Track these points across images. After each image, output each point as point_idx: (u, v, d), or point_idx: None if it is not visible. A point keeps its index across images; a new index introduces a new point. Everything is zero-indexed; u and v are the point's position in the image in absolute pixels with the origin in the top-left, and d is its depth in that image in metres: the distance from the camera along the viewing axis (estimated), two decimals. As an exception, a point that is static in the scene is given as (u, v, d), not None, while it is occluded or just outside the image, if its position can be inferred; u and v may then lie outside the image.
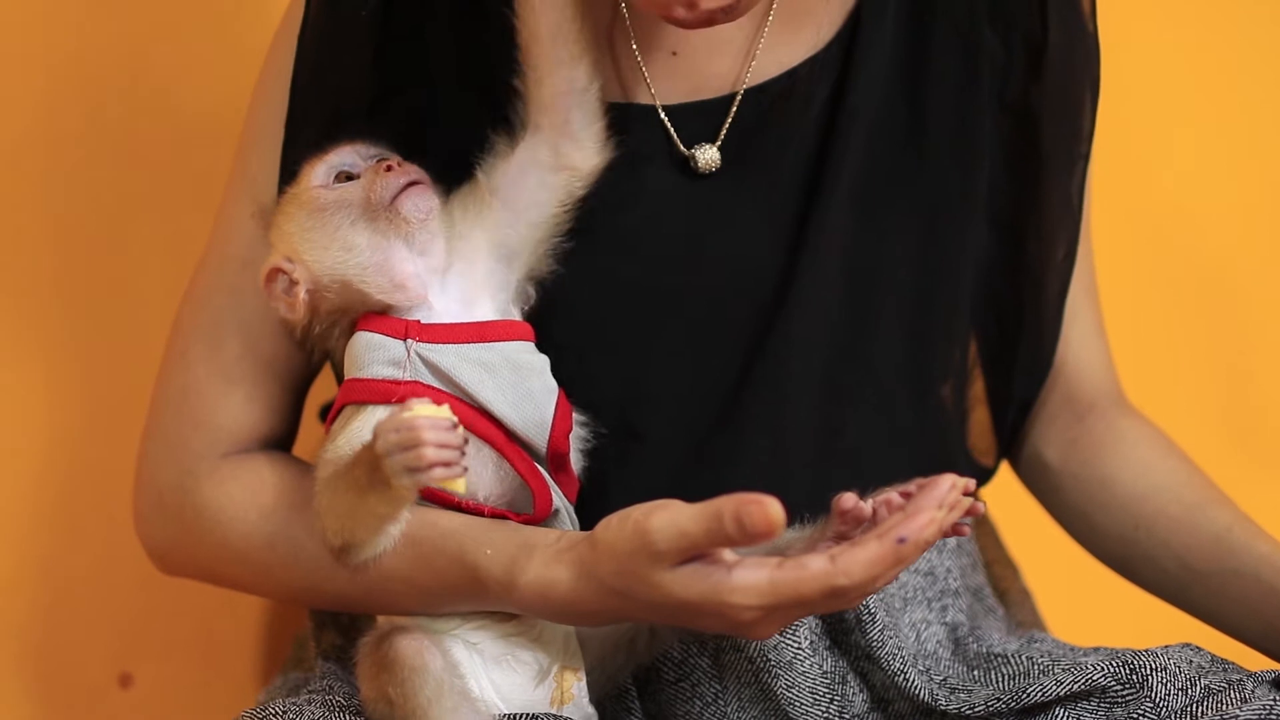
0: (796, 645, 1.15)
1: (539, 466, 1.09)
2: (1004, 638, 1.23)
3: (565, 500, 1.10)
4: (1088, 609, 1.43)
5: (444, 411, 0.99)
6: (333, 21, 1.17)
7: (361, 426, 1.06)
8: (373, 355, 1.07)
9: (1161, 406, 1.36)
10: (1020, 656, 1.17)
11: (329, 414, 1.10)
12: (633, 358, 1.17)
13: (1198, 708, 1.08)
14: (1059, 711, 1.12)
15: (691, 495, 0.99)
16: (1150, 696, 1.10)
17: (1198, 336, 1.75)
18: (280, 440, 1.22)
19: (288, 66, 1.19)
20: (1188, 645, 1.14)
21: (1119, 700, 1.10)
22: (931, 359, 1.26)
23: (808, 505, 1.06)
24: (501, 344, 1.08)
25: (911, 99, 1.21)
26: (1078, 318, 1.30)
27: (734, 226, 1.17)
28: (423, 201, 1.08)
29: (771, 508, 0.95)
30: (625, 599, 1.02)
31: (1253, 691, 1.08)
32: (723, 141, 1.17)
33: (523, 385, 1.08)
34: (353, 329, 1.09)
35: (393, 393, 1.06)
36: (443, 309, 1.09)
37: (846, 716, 1.16)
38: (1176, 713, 1.08)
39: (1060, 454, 1.31)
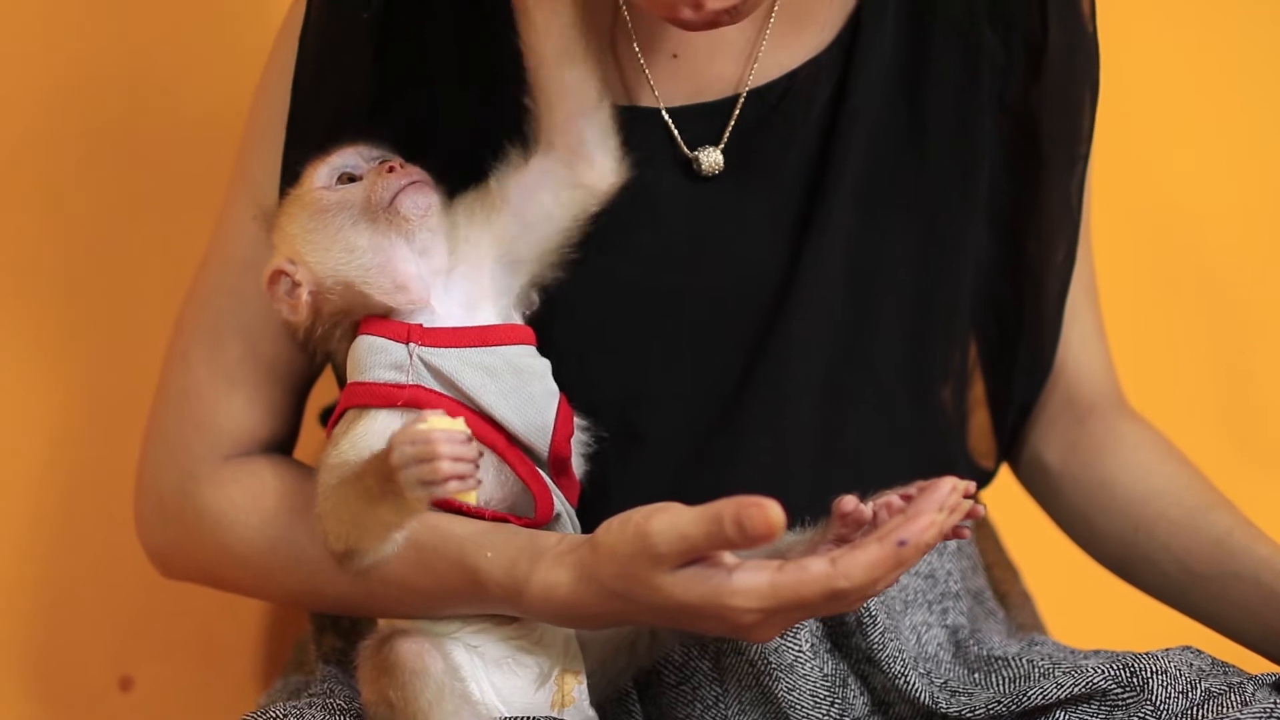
0: (797, 648, 1.15)
1: (540, 470, 1.09)
2: (1004, 640, 1.23)
3: (566, 504, 1.10)
4: (1088, 612, 1.43)
5: (459, 424, 0.99)
6: (334, 23, 1.17)
7: (365, 431, 1.06)
8: (375, 359, 1.07)
9: (1161, 408, 1.36)
10: (1021, 659, 1.17)
11: (330, 417, 1.10)
12: (634, 359, 1.17)
13: (1198, 711, 1.08)
14: (1059, 714, 1.11)
15: (692, 497, 0.99)
16: (1151, 699, 1.10)
17: (1197, 338, 1.75)
18: (281, 443, 1.22)
19: (289, 68, 1.18)
20: (1188, 648, 1.14)
21: (1119, 703, 1.10)
22: (931, 360, 1.26)
23: (808, 507, 1.06)
24: (503, 348, 1.08)
25: (912, 100, 1.21)
26: (1077, 319, 1.30)
27: (737, 228, 1.17)
28: (421, 199, 1.08)
29: (772, 510, 0.95)
30: (626, 601, 1.02)
31: (1253, 694, 1.08)
32: (725, 144, 1.17)
33: (524, 389, 1.08)
34: (355, 331, 1.09)
35: (395, 396, 1.06)
36: (445, 312, 1.09)
37: (847, 719, 1.16)
38: (1177, 716, 1.08)
39: (1060, 457, 1.31)
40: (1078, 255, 1.28)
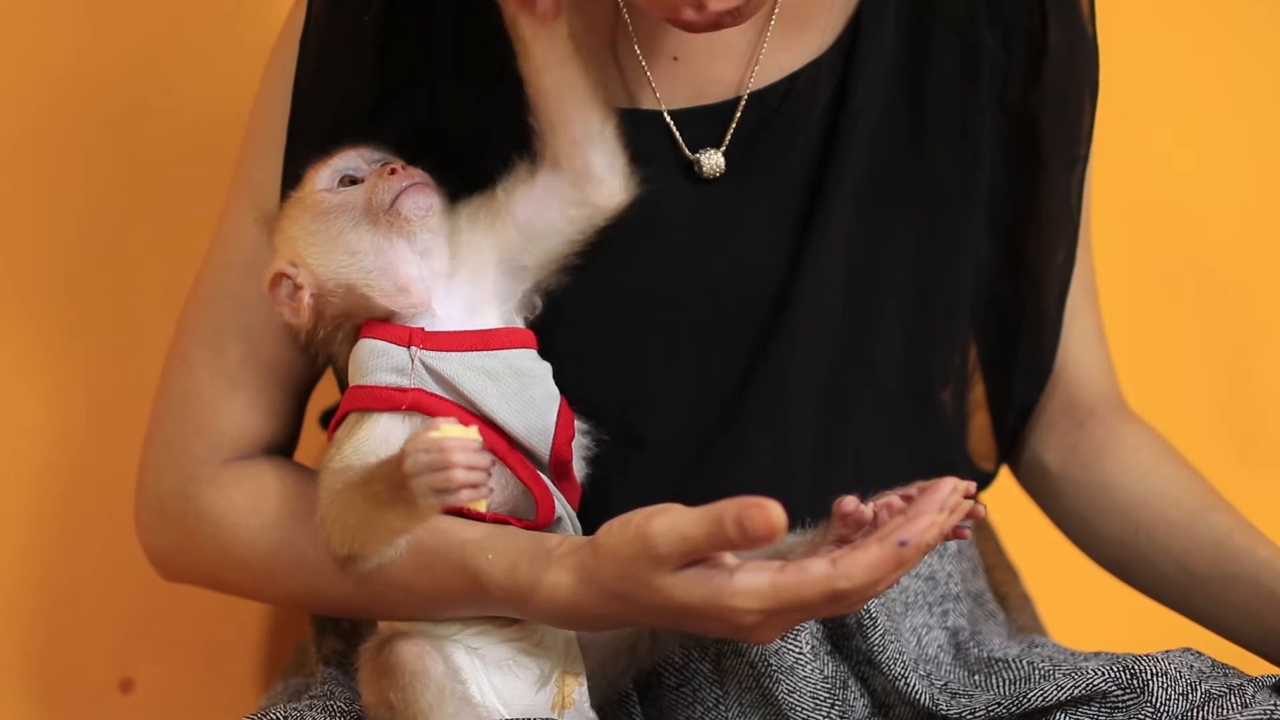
0: (798, 650, 1.15)
1: (541, 474, 1.09)
2: (1005, 643, 1.23)
3: (568, 506, 1.10)
4: (1088, 614, 1.43)
5: (472, 433, 0.99)
6: (334, 25, 1.17)
7: (367, 435, 1.06)
8: (376, 362, 1.07)
9: (1161, 410, 1.36)
10: (1021, 661, 1.17)
11: (331, 420, 1.10)
12: (635, 361, 1.17)
13: (1198, 712, 1.08)
14: (1060, 716, 1.12)
15: (693, 498, 1.00)
16: (1151, 701, 1.10)
17: (1197, 339, 1.75)
18: (282, 445, 1.22)
19: (289, 70, 1.19)
20: (1188, 650, 1.14)
21: (1120, 705, 1.11)
22: (932, 362, 1.26)
23: (809, 508, 1.06)
24: (505, 352, 1.08)
25: (912, 101, 1.21)
26: (1077, 321, 1.30)
27: (738, 230, 1.17)
28: (422, 199, 1.08)
29: (773, 511, 0.95)
30: (627, 603, 1.02)
31: (1253, 696, 1.08)
32: (727, 146, 1.17)
33: (526, 393, 1.08)
34: (356, 334, 1.09)
35: (397, 400, 1.06)
36: (446, 316, 1.09)
37: (847, 721, 1.17)
38: (1177, 718, 1.09)
39: (1060, 459, 1.31)
40: (1078, 256, 1.28)
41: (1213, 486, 1.27)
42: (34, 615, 1.52)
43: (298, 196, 1.11)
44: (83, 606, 1.53)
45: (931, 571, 1.22)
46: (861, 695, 1.18)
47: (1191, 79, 1.73)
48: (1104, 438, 1.29)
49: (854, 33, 1.20)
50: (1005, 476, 1.34)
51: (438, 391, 1.06)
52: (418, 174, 1.09)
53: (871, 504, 1.04)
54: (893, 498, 1.04)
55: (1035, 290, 1.28)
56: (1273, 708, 1.06)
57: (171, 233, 1.51)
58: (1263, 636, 1.19)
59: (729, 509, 0.96)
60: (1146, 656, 1.12)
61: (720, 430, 1.18)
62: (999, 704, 1.13)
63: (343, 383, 1.13)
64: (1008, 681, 1.16)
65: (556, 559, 1.04)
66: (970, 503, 1.02)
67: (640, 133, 1.15)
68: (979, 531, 1.35)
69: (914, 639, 1.19)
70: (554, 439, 1.08)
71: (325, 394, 1.26)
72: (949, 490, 1.01)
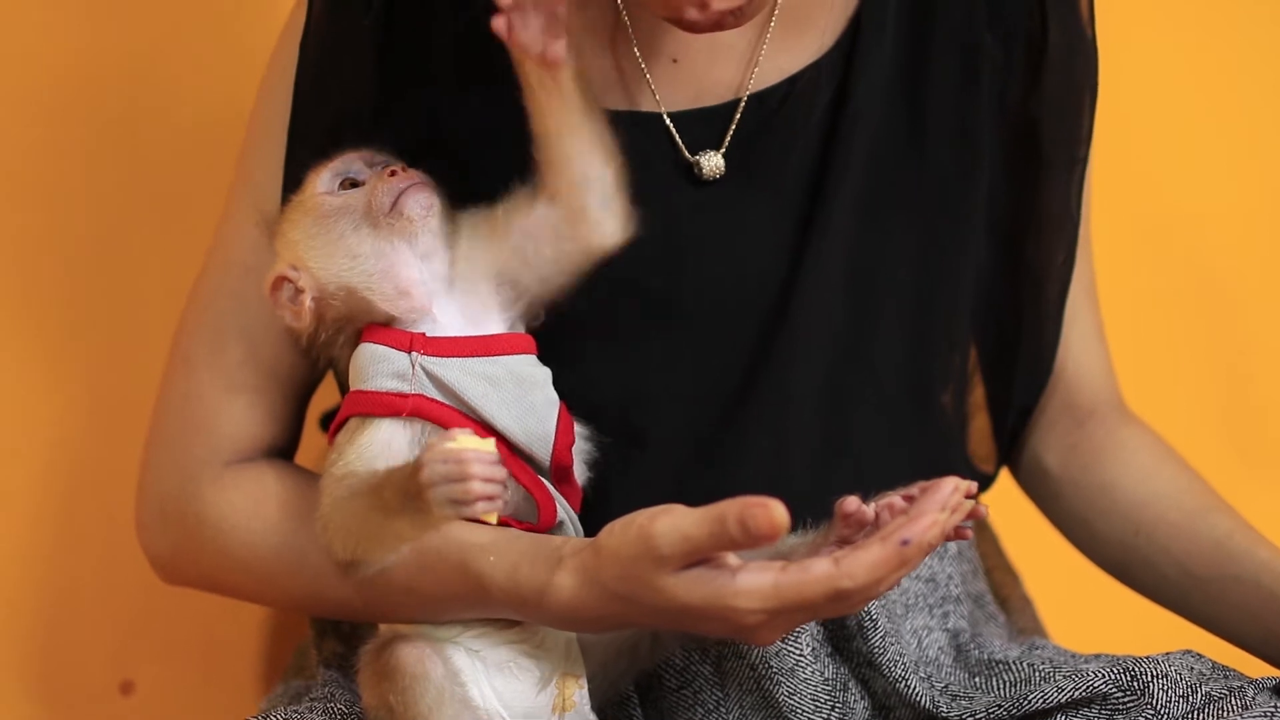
0: (798, 652, 1.15)
1: (542, 478, 1.09)
2: (1005, 644, 1.23)
3: (570, 510, 1.10)
4: (1088, 616, 1.43)
5: (489, 445, 0.99)
6: (335, 28, 1.17)
7: (369, 441, 1.06)
8: (377, 368, 1.07)
9: (1161, 411, 1.36)
10: (1021, 663, 1.17)
11: (331, 423, 1.10)
12: (636, 364, 1.17)
13: (1199, 714, 1.08)
14: (1060, 718, 1.12)
15: (695, 499, 0.99)
16: (1151, 703, 1.10)
17: (1197, 340, 1.75)
18: (283, 448, 1.22)
19: (290, 73, 1.19)
20: (1189, 652, 1.14)
21: (1120, 707, 1.11)
22: (932, 363, 1.26)
23: (810, 508, 1.06)
24: (505, 357, 1.08)
25: (912, 103, 1.21)
26: (1077, 322, 1.31)
27: (738, 232, 1.17)
28: (423, 198, 1.08)
29: (776, 510, 0.95)
30: (629, 604, 1.02)
31: (1253, 698, 1.08)
32: (726, 148, 1.17)
33: (526, 399, 1.08)
34: (357, 338, 1.09)
35: (398, 406, 1.06)
36: (447, 321, 1.08)
37: (848, 723, 1.17)
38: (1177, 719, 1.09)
39: (1060, 460, 1.31)
40: (1078, 258, 1.28)
41: (1213, 488, 1.27)
42: (35, 617, 1.52)
43: (298, 200, 1.11)
44: (83, 608, 1.53)
45: (932, 573, 1.22)
46: (862, 697, 1.18)
47: (1191, 80, 1.73)
48: (1104, 439, 1.29)
49: (854, 35, 1.20)
50: (1005, 478, 1.34)
51: (438, 397, 1.06)
52: (418, 176, 1.09)
53: (873, 504, 1.04)
54: (894, 498, 1.04)
55: (1035, 291, 1.29)
56: (1273, 710, 1.07)
57: (171, 233, 1.51)
58: (1263, 638, 1.19)
59: (732, 508, 0.96)
60: (1147, 658, 1.12)
61: (721, 431, 1.18)
62: (999, 706, 1.13)
63: (343, 386, 1.13)
64: (1008, 683, 1.16)
65: (558, 561, 1.04)
66: (972, 503, 1.03)
67: (640, 135, 1.15)
68: (979, 533, 1.35)
69: (914, 641, 1.19)
70: (554, 444, 1.08)
71: (326, 396, 1.26)
72: (950, 489, 1.01)
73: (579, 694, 1.09)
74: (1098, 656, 1.17)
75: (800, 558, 1.01)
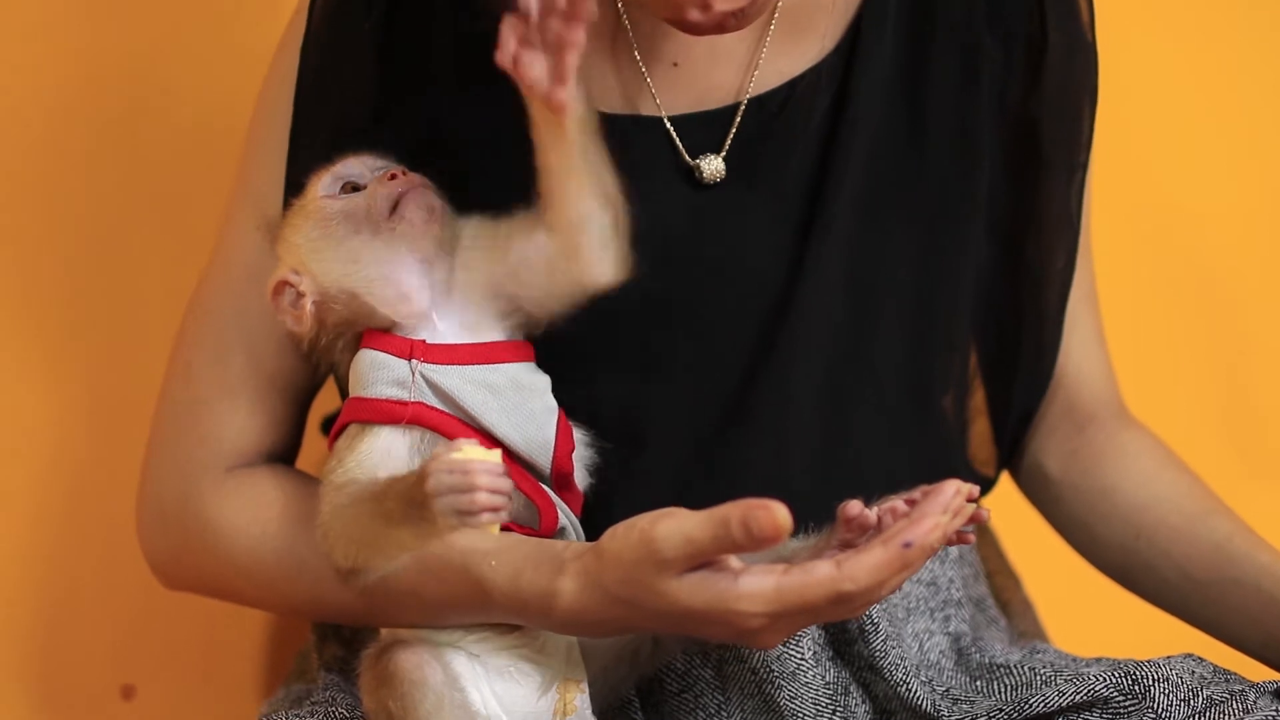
0: (799, 656, 1.15)
1: (543, 485, 1.09)
2: (1006, 648, 1.23)
3: (571, 515, 1.10)
4: (1089, 619, 1.42)
5: (495, 456, 0.99)
6: (335, 32, 1.17)
7: (369, 448, 1.06)
8: (377, 375, 1.07)
9: (1161, 414, 1.36)
10: (1023, 667, 1.17)
11: (332, 429, 1.10)
12: (636, 367, 1.17)
13: (1200, 718, 1.09)
14: (1061, 722, 1.12)
15: (696, 502, 0.99)
16: (1153, 707, 1.10)
17: (1197, 344, 1.75)
18: (284, 453, 1.22)
19: (290, 79, 1.19)
20: (1189, 656, 1.14)
21: (1121, 711, 1.11)
22: (932, 366, 1.26)
23: (811, 509, 1.05)
24: (505, 365, 1.08)
25: (912, 105, 1.21)
26: (1078, 327, 1.31)
27: (739, 236, 1.17)
28: (426, 203, 1.08)
29: (778, 512, 0.95)
30: (631, 608, 1.02)
31: (1254, 702, 1.09)
32: (727, 152, 1.17)
33: (525, 406, 1.08)
34: (358, 342, 1.09)
35: (398, 414, 1.05)
36: (446, 328, 1.08)
37: (849, 727, 1.17)
38: (1178, 723, 1.09)
39: (1060, 465, 1.31)
40: (1078, 263, 1.28)
41: (1213, 491, 1.27)
42: (35, 623, 1.52)
43: (300, 204, 1.11)
44: (84, 614, 1.52)
45: (933, 577, 1.22)
46: (863, 701, 1.18)
47: (1191, 81, 1.73)
48: (1104, 443, 1.30)
49: (854, 38, 1.19)
50: (1006, 482, 1.34)
51: (438, 405, 1.06)
52: (419, 179, 1.09)
53: (875, 508, 1.04)
54: (896, 502, 1.04)
55: (1035, 294, 1.29)
56: (1274, 713, 1.07)
57: (172, 233, 1.51)
58: (1263, 641, 1.20)
59: (734, 511, 0.96)
60: (1148, 662, 1.12)
61: (721, 433, 1.18)
62: (1000, 710, 1.13)
63: (344, 390, 1.13)
64: (1009, 687, 1.16)
65: (560, 565, 1.04)
66: (974, 506, 1.02)
67: (640, 139, 1.15)
68: (980, 537, 1.35)
69: (916, 644, 1.19)
70: (554, 452, 1.08)
71: (327, 400, 1.26)
72: (952, 492, 1.01)
73: (580, 698, 1.09)
74: (1099, 660, 1.17)
75: (802, 561, 1.01)
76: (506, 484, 0.98)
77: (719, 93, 1.18)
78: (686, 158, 1.17)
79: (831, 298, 1.19)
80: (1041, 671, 1.16)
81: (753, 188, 1.18)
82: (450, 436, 1.04)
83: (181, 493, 1.19)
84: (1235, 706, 1.08)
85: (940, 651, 1.20)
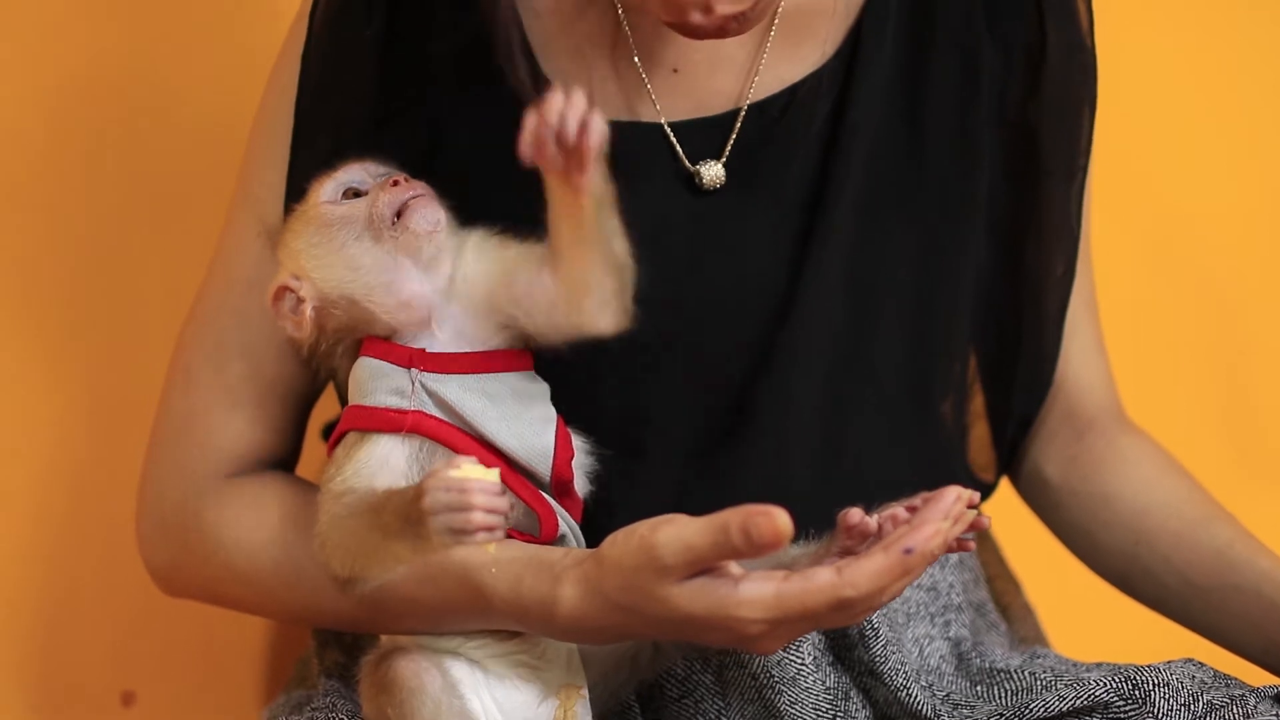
0: (800, 661, 1.15)
1: (543, 493, 1.08)
2: (1007, 653, 1.23)
3: (571, 522, 1.10)
4: (1090, 625, 1.43)
5: (493, 475, 0.99)
6: (336, 38, 1.17)
7: (368, 457, 1.06)
8: (377, 383, 1.07)
9: (1161, 419, 1.36)
10: (1023, 672, 1.18)
11: (331, 435, 1.10)
12: (636, 373, 1.17)
13: (1200, 723, 1.09)
14: (1061, 727, 1.12)
15: (696, 508, 0.99)
16: (1153, 712, 1.10)
17: (1197, 348, 1.75)
18: (284, 460, 1.22)
19: (292, 85, 1.19)
20: (1190, 660, 1.14)
21: (1122, 716, 1.11)
22: (932, 371, 1.26)
23: (810, 510, 1.05)
24: (504, 374, 1.08)
25: (912, 111, 1.21)
26: (1077, 333, 1.30)
27: (739, 242, 1.17)
28: (429, 213, 1.08)
29: (779, 518, 0.95)
30: (632, 615, 1.02)
31: (1255, 707, 1.09)
32: (727, 157, 1.17)
33: (524, 415, 1.08)
34: (358, 349, 1.09)
35: (398, 423, 1.05)
36: (446, 336, 1.08)
37: (849, 732, 1.17)
38: (1179, 728, 1.09)
39: (1060, 470, 1.31)
40: (1077, 269, 1.28)
41: (1213, 497, 1.27)
42: (35, 629, 1.52)
43: (301, 209, 1.11)
44: (84, 620, 1.52)
45: (933, 582, 1.22)
46: (863, 706, 1.18)
47: (1191, 82, 1.73)
48: (1104, 449, 1.29)
49: (854, 43, 1.19)
50: (1006, 487, 1.34)
51: (437, 414, 1.06)
52: (420, 186, 1.09)
53: (876, 515, 1.04)
54: (897, 509, 1.04)
55: (1034, 299, 1.29)
56: (1275, 718, 1.07)
57: (172, 234, 1.51)
58: (1264, 647, 1.20)
59: (734, 517, 0.96)
60: (1148, 667, 1.12)
61: (722, 439, 1.18)
62: (1001, 715, 1.13)
63: (343, 397, 1.13)
64: (1010, 692, 1.16)
65: (561, 572, 1.04)
66: (974, 512, 1.03)
67: (640, 145, 1.15)
68: (981, 542, 1.35)
69: (916, 650, 1.19)
70: (554, 459, 1.08)
71: (327, 405, 1.26)
72: (953, 499, 1.01)
73: (580, 704, 1.09)
74: (1099, 665, 1.17)
75: (803, 568, 1.01)
76: (503, 503, 0.98)
77: (719, 98, 1.18)
78: (686, 164, 1.17)
79: (832, 301, 1.19)
80: (1042, 676, 1.16)
81: (753, 193, 1.18)
82: (449, 446, 1.04)
83: (181, 499, 1.19)
84: (1236, 711, 1.08)
85: (940, 656, 1.20)
